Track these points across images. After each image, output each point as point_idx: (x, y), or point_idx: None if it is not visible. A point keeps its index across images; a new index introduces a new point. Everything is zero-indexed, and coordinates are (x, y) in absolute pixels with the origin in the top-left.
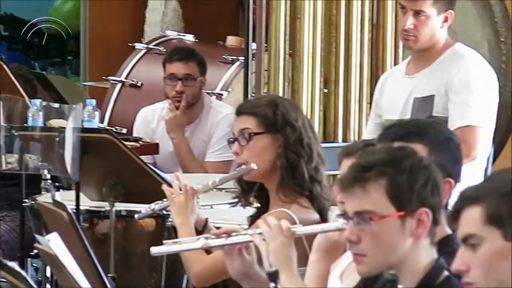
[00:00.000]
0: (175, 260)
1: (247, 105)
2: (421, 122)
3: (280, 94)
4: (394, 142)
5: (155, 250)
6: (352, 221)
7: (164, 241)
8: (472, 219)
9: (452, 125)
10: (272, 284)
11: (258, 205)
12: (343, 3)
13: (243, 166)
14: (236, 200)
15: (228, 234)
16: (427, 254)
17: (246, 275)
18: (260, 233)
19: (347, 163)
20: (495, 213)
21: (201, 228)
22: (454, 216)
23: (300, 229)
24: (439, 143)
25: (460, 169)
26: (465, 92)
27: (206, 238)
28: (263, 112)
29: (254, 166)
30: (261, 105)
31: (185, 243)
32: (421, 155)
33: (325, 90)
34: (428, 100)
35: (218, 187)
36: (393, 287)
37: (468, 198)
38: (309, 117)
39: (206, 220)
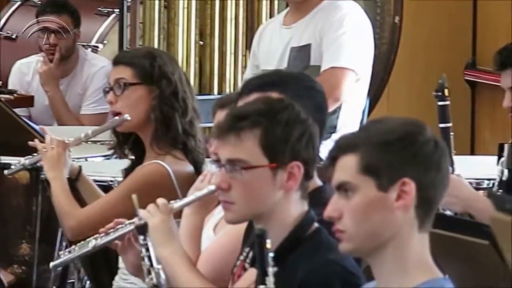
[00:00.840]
0: (50, 214)
1: (125, 55)
2: (281, 73)
3: (156, 47)
4: (253, 93)
5: (53, 264)
6: (224, 168)
7: (60, 253)
8: (348, 167)
9: (322, 68)
10: (141, 237)
11: (133, 157)
12: None
13: (116, 118)
14: (111, 152)
15: (115, 228)
16: (297, 207)
17: (140, 267)
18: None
19: (221, 115)
20: (370, 163)
21: (75, 177)
22: (330, 163)
23: (177, 204)
24: (299, 90)
25: (325, 117)
26: (336, 34)
27: (96, 238)
28: (140, 63)
29: (127, 117)
30: (139, 56)
31: (78, 248)
32: (298, 108)
33: (201, 43)
34: (304, 50)
35: (94, 139)
36: (261, 242)
37: (344, 146)
38: (184, 69)
39: (80, 168)
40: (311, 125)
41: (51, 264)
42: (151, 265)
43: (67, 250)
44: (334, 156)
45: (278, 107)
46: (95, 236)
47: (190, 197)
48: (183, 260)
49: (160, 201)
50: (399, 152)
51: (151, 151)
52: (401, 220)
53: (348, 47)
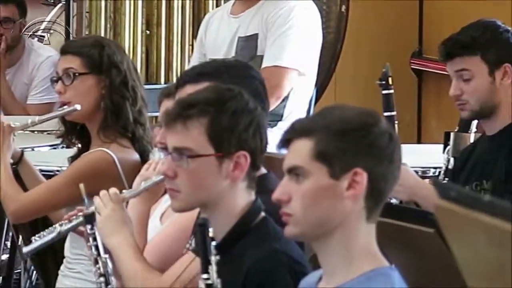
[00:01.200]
0: None
1: (73, 44)
2: (215, 63)
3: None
4: (187, 84)
5: (26, 250)
6: (171, 156)
7: (31, 238)
8: (301, 152)
9: (264, 63)
10: (89, 226)
11: (80, 145)
12: None
13: (66, 107)
14: (57, 142)
15: (77, 215)
16: (244, 197)
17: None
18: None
19: (167, 104)
20: (324, 150)
21: (17, 160)
22: (283, 145)
23: (128, 194)
24: (232, 79)
25: (263, 103)
26: (281, 30)
27: (60, 225)
28: (89, 52)
29: (77, 107)
30: (87, 45)
31: (47, 235)
32: (247, 98)
33: (147, 32)
34: (251, 39)
35: (41, 129)
36: (203, 231)
37: (300, 129)
38: (131, 58)
39: (22, 152)
40: (259, 114)
41: (24, 250)
42: (98, 254)
43: (37, 235)
44: (288, 138)
45: (227, 96)
46: (60, 222)
47: (141, 186)
48: (131, 248)
49: (112, 190)
50: (355, 142)
51: (97, 139)
52: (350, 209)
53: (293, 45)
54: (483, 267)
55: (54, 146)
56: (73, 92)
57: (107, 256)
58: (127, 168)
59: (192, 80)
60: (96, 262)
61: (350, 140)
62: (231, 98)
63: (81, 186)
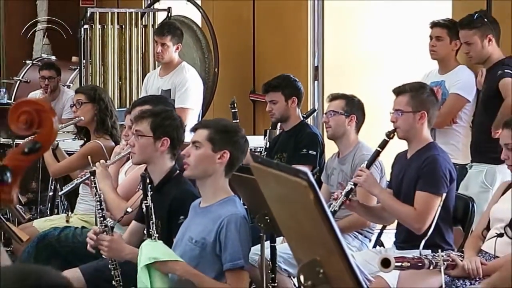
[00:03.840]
0: (45, 167)
1: (81, 89)
2: (151, 96)
3: (98, 85)
4: (136, 107)
5: (61, 192)
6: (134, 135)
7: (63, 187)
8: (201, 135)
9: (176, 106)
10: (92, 177)
11: (85, 139)
12: (127, 36)
13: (77, 118)
14: (74, 136)
15: (84, 174)
16: (169, 162)
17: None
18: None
19: (128, 116)
20: (213, 137)
21: (55, 147)
22: (193, 130)
23: (109, 163)
24: (159, 104)
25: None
26: (182, 88)
27: (77, 179)
28: (89, 92)
29: (82, 118)
30: (88, 89)
31: (70, 185)
32: (174, 114)
33: (120, 82)
34: (168, 92)
35: (66, 131)
36: (144, 179)
37: (202, 124)
38: (112, 95)
39: (57, 143)
40: (178, 121)
41: (60, 192)
42: (97, 191)
43: (66, 185)
44: (196, 127)
45: (161, 111)
46: (76, 178)
47: (113, 159)
48: (110, 188)
49: (101, 161)
50: (227, 138)
51: (93, 136)
52: (218, 169)
53: (190, 97)
54: (275, 197)
55: (72, 139)
56: (80, 111)
57: (101, 192)
58: (108, 150)
59: (139, 105)
60: (95, 195)
61: (225, 136)
62: (163, 111)
63: (89, 157)
